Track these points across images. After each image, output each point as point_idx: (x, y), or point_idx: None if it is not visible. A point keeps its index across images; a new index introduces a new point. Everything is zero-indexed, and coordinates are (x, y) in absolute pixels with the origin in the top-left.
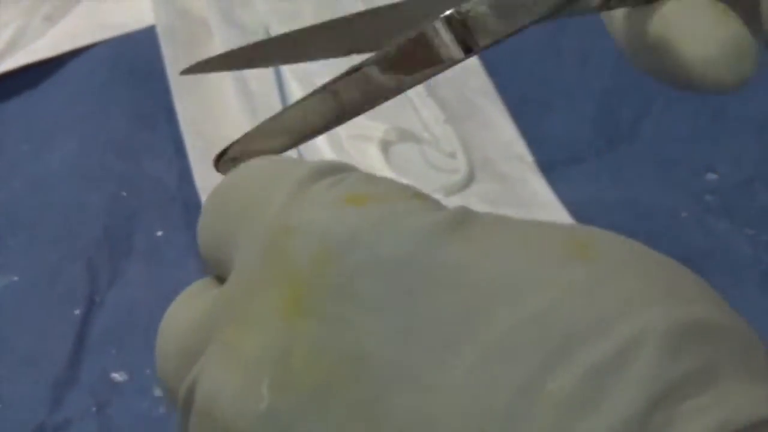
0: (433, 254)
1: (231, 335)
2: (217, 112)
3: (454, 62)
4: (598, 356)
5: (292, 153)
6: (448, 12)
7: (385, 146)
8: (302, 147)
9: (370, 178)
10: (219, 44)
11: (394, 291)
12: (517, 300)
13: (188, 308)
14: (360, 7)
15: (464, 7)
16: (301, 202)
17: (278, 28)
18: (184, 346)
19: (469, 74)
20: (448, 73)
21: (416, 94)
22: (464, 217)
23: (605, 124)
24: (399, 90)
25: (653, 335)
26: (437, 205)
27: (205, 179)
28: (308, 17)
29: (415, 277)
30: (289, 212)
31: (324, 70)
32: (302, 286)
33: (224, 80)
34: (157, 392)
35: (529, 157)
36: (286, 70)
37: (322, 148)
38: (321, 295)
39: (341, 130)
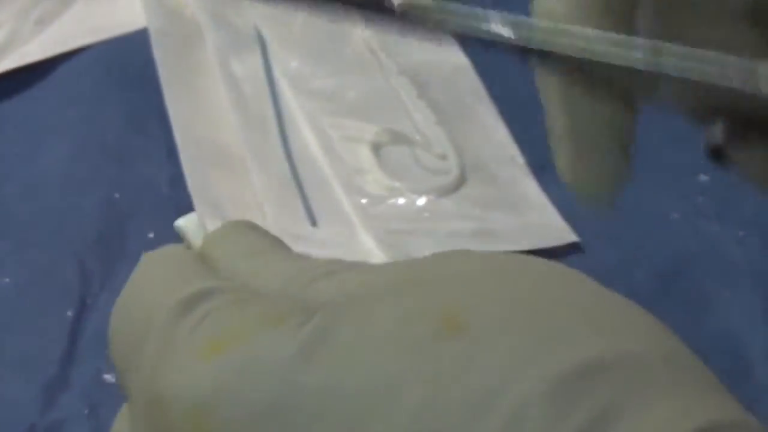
0: (297, 389)
1: None
2: (209, 115)
3: None
4: None
5: (274, 145)
6: None
7: (377, 148)
8: (292, 146)
9: (230, 310)
10: (210, 47)
11: None
12: (389, 409)
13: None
14: (352, 12)
15: None
16: (167, 360)
17: (270, 31)
18: None
19: (460, 76)
20: (440, 75)
21: (408, 95)
22: (322, 329)
23: None
24: None
25: (538, 399)
26: (297, 319)
27: (197, 182)
28: (300, 20)
29: (286, 417)
30: (158, 377)
31: (318, 74)
32: None
33: (216, 83)
34: None
35: (520, 159)
36: (279, 73)
37: (313, 150)
38: None
39: (332, 132)
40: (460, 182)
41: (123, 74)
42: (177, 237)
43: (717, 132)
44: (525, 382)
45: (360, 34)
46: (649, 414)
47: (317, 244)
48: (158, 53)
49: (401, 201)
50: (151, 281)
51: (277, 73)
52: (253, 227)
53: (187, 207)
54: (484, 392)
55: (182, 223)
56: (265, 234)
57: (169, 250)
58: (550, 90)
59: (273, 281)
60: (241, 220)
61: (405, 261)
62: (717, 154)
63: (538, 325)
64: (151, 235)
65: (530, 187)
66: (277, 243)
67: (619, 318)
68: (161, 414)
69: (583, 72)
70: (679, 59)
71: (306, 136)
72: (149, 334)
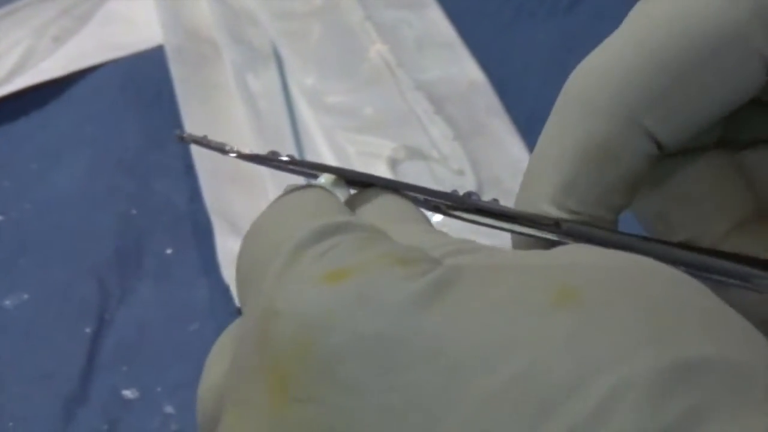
0: (410, 328)
1: (230, 419)
2: (226, 130)
3: None
4: (575, 418)
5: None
6: None
7: (394, 164)
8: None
9: (360, 243)
10: (227, 63)
11: (372, 370)
12: (496, 366)
13: (219, 361)
14: (368, 27)
15: None
16: (288, 278)
17: (286, 48)
18: (209, 407)
19: (477, 93)
20: (456, 91)
21: (424, 112)
22: (445, 280)
23: None
24: None
25: (635, 386)
26: (421, 268)
27: (215, 198)
28: (315, 36)
29: (393, 353)
30: (277, 291)
31: (334, 90)
32: (287, 372)
33: (233, 99)
34: (168, 409)
35: None
36: (295, 89)
37: (330, 164)
38: (304, 380)
39: (349, 147)
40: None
41: (140, 91)
42: (198, 255)
43: None
44: (627, 366)
45: (376, 50)
46: (740, 421)
47: None
48: (175, 70)
49: None
50: (291, 207)
51: (293, 89)
52: (398, 197)
53: (204, 223)
54: (585, 367)
55: (324, 180)
56: (409, 204)
57: (318, 188)
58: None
59: (413, 244)
60: (388, 192)
61: (531, 250)
62: None
63: (649, 315)
64: (169, 251)
65: None
66: (421, 216)
67: (726, 324)
68: (272, 328)
69: None
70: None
71: (323, 152)
72: (280, 251)
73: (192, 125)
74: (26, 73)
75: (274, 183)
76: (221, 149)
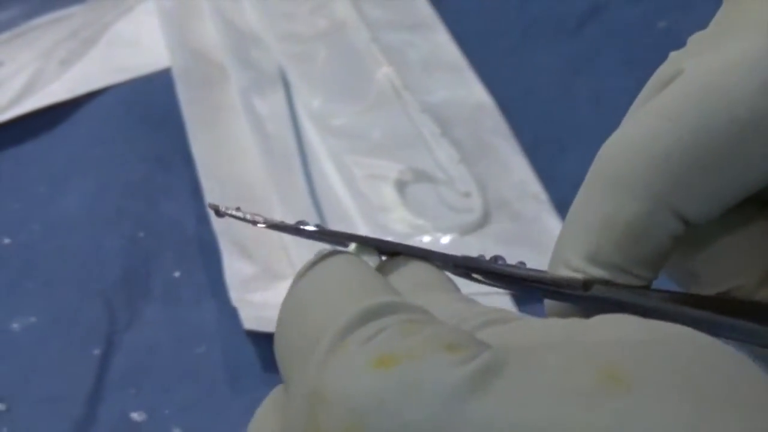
0: (458, 416)
1: None
2: (233, 153)
3: None
4: None
5: (298, 183)
6: None
7: (401, 186)
8: (316, 184)
9: (408, 327)
10: (234, 86)
11: None
12: None
13: (263, 428)
14: (374, 50)
15: None
16: (335, 364)
17: (293, 71)
18: None
19: (483, 115)
20: (463, 113)
21: (431, 134)
22: (492, 366)
23: None
24: None
25: None
26: (469, 352)
27: (222, 221)
28: (322, 59)
29: None
30: (323, 377)
31: (341, 112)
32: None
33: (240, 122)
34: (176, 431)
35: (543, 197)
36: (302, 111)
37: (337, 188)
38: None
39: (356, 170)
40: (484, 220)
41: (147, 114)
42: (206, 277)
43: None
44: None
45: (383, 72)
46: None
47: None
48: (182, 93)
49: (426, 238)
50: (330, 282)
51: (300, 111)
52: (428, 265)
53: (211, 245)
54: None
55: (354, 248)
56: (439, 272)
57: (352, 256)
58: None
59: (446, 317)
60: (415, 257)
61: (570, 320)
62: None
63: (698, 396)
64: (177, 274)
65: (553, 224)
66: (450, 283)
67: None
68: (318, 411)
69: None
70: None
71: (330, 174)
72: (325, 333)
73: (199, 148)
74: (34, 96)
75: (281, 207)
76: (253, 221)
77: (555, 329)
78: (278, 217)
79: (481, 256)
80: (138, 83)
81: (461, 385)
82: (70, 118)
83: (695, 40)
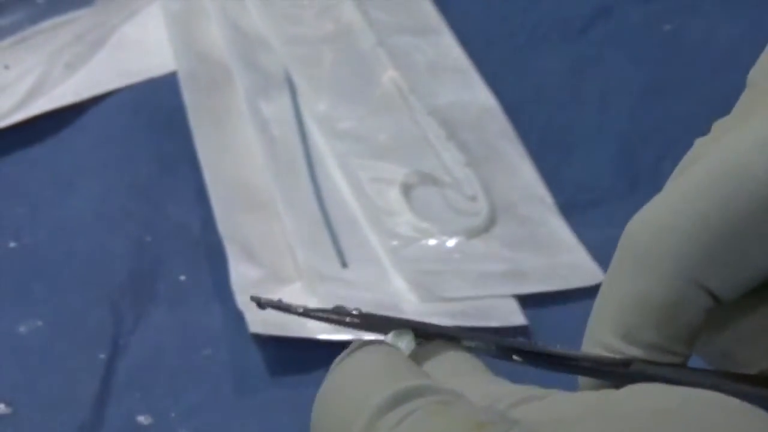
0: None
1: None
2: (239, 156)
3: None
4: None
5: (304, 186)
6: None
7: (407, 189)
8: (322, 188)
9: (437, 409)
10: (240, 89)
11: None
12: None
13: None
14: (380, 53)
15: None
16: None
17: (299, 74)
18: None
19: (489, 118)
20: (469, 116)
21: (437, 137)
22: None
23: (626, 166)
24: None
25: None
26: (499, 429)
27: (228, 224)
28: (328, 62)
29: None
30: None
31: (347, 116)
32: None
33: (246, 125)
34: None
35: (549, 200)
36: (308, 115)
37: (343, 191)
38: None
39: (362, 173)
40: (490, 223)
41: (153, 117)
42: (212, 281)
43: None
44: None
45: (389, 76)
46: None
47: (348, 284)
48: (188, 96)
49: (432, 242)
50: (362, 369)
51: (306, 115)
52: (463, 352)
53: (218, 249)
54: None
55: (391, 335)
56: (473, 357)
57: (384, 345)
58: None
59: (480, 398)
60: (450, 345)
61: (601, 391)
62: None
63: None
64: (183, 278)
65: (559, 228)
66: (481, 367)
67: None
68: None
69: None
70: None
71: (336, 178)
72: (356, 419)
73: (205, 151)
74: (40, 99)
75: (287, 210)
76: (297, 312)
77: (587, 402)
78: (285, 220)
79: (519, 339)
80: (144, 86)
81: None
82: (76, 121)
83: (718, 126)
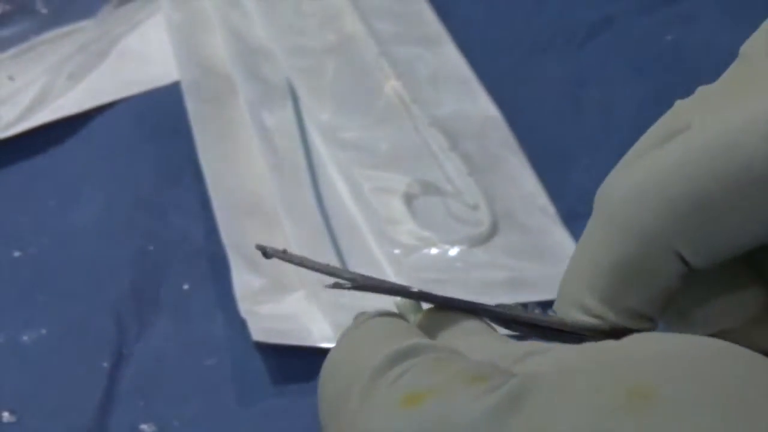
0: None
1: None
2: (242, 166)
3: None
4: None
5: (306, 196)
6: None
7: (409, 199)
8: (324, 197)
9: (434, 364)
10: (243, 99)
11: None
12: None
13: None
14: (382, 64)
15: None
16: (366, 407)
17: (301, 84)
18: None
19: (491, 127)
20: (471, 126)
21: (439, 147)
22: (518, 392)
23: None
24: None
25: None
26: (495, 382)
27: (231, 233)
28: (330, 73)
29: None
30: (357, 421)
31: (349, 125)
32: None
33: (249, 135)
34: None
35: (551, 209)
36: (311, 125)
37: (345, 201)
38: None
39: (364, 183)
40: (492, 232)
41: (156, 127)
42: (215, 290)
43: None
44: None
45: (391, 86)
46: None
47: (350, 294)
48: (191, 106)
49: (433, 251)
50: (363, 337)
51: (309, 125)
52: (470, 318)
53: (221, 258)
54: None
55: (399, 302)
56: (479, 321)
57: (385, 314)
58: None
59: (484, 356)
60: (459, 313)
61: (603, 342)
62: None
63: (725, 409)
64: (186, 287)
65: (561, 237)
66: (489, 330)
67: None
68: None
69: None
70: None
71: (338, 187)
72: (356, 381)
73: (208, 161)
74: (43, 110)
75: (290, 219)
76: (299, 263)
77: (588, 352)
78: (287, 229)
79: (517, 305)
80: (147, 97)
81: (488, 413)
82: (79, 131)
83: (704, 93)
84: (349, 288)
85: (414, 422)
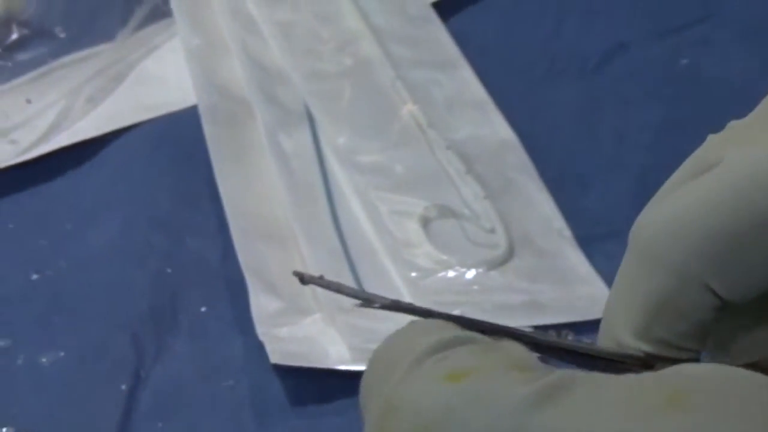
0: (524, 427)
1: None
2: (259, 189)
3: None
4: None
5: (324, 219)
6: None
7: (426, 222)
8: (341, 220)
9: (480, 350)
10: (260, 123)
11: None
12: None
13: None
14: (399, 87)
15: None
16: (409, 380)
17: (318, 107)
18: None
19: (507, 151)
20: (487, 150)
21: (455, 170)
22: (559, 384)
23: (643, 199)
24: None
25: None
26: (537, 374)
27: (248, 256)
28: (347, 96)
29: None
30: (397, 391)
31: (366, 149)
32: None
33: (266, 158)
34: None
35: (567, 232)
36: (327, 148)
37: (362, 224)
38: None
39: (381, 206)
40: (509, 255)
41: (173, 151)
42: (232, 313)
43: None
44: None
45: (407, 109)
46: None
47: (367, 316)
48: (208, 130)
49: (450, 274)
50: (414, 329)
51: (325, 148)
52: (515, 342)
53: (238, 281)
54: None
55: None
56: (525, 348)
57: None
58: None
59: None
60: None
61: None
62: None
63: (759, 421)
64: (203, 309)
65: (577, 260)
66: (525, 347)
67: None
68: (387, 419)
69: None
70: None
71: (355, 210)
72: (402, 362)
73: (225, 184)
74: (61, 133)
75: (307, 242)
76: (339, 290)
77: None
78: (305, 252)
79: (550, 332)
80: (165, 120)
81: (529, 398)
82: (97, 155)
83: (735, 127)
84: (379, 308)
85: (454, 395)
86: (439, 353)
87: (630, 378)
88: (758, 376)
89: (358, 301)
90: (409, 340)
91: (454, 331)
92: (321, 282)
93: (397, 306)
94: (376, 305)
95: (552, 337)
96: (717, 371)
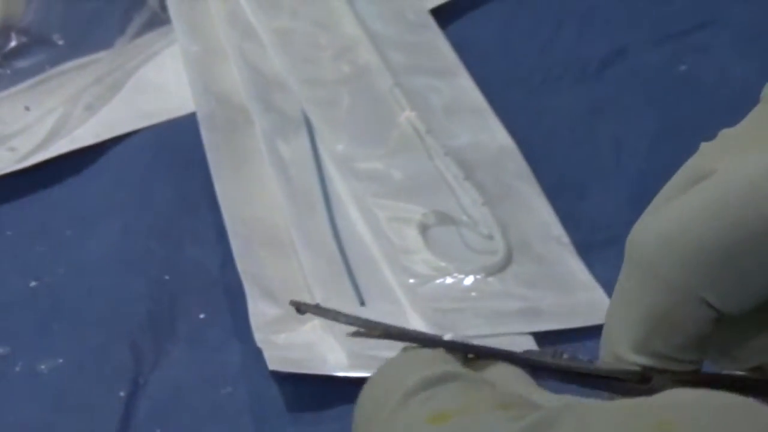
0: None
1: None
2: (257, 197)
3: None
4: None
5: (322, 226)
6: None
7: (424, 228)
8: (340, 227)
9: (464, 389)
10: (258, 130)
11: None
12: None
13: None
14: (397, 94)
15: None
16: (395, 420)
17: (316, 115)
18: None
19: (506, 157)
20: (486, 156)
21: (454, 177)
22: (544, 422)
23: (641, 205)
24: None
25: None
26: (521, 411)
27: (246, 263)
28: (345, 103)
29: None
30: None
31: (364, 156)
32: None
33: (264, 166)
34: None
35: (565, 239)
36: (326, 155)
37: (360, 231)
38: None
39: (380, 213)
40: (507, 262)
41: (172, 158)
42: (231, 320)
43: None
44: None
45: (406, 116)
46: None
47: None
48: (206, 137)
49: (449, 280)
50: (403, 362)
51: (324, 155)
52: (510, 365)
53: (236, 287)
54: None
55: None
56: (520, 371)
57: (428, 349)
58: None
59: (513, 390)
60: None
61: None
62: None
63: None
64: (202, 316)
65: (575, 266)
66: (528, 379)
67: None
68: None
69: None
70: None
71: (353, 217)
72: (390, 400)
73: (224, 191)
74: (60, 140)
75: (305, 249)
76: (336, 318)
77: (616, 402)
78: (303, 259)
79: (545, 352)
80: (163, 128)
81: None
82: (96, 162)
83: (728, 137)
84: (375, 337)
85: None
86: (427, 390)
87: (615, 408)
88: (746, 402)
89: (352, 330)
90: (398, 374)
91: (442, 366)
92: (318, 311)
93: (389, 335)
94: (369, 335)
95: (548, 358)
96: (702, 400)
